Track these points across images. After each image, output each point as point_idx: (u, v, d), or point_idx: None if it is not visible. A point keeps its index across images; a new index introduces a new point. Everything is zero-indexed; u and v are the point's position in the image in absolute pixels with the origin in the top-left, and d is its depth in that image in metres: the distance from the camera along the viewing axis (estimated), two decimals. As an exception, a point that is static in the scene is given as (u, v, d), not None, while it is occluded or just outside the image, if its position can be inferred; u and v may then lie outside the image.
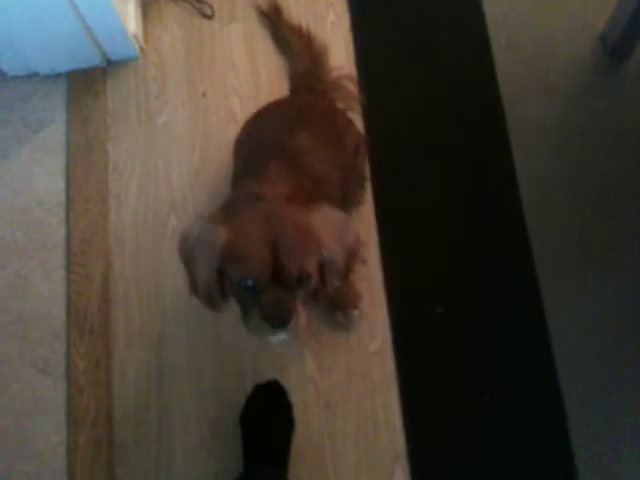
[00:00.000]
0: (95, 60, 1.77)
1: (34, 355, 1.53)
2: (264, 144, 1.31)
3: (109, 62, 1.80)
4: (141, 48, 1.81)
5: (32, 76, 1.78)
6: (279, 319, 1.02)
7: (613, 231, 1.60)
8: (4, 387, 1.51)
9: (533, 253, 1.57)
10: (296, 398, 1.46)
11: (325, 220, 1.06)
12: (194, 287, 1.11)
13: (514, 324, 1.53)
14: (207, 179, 1.67)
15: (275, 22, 1.78)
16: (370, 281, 1.54)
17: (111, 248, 1.62)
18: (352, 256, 1.13)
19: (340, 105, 1.56)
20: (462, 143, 1.69)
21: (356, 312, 1.50)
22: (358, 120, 1.64)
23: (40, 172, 1.70)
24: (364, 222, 1.58)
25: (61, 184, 1.67)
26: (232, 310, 1.45)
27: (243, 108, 1.71)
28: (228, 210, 1.14)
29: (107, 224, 1.64)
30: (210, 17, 1.84)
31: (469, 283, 1.57)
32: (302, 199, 1.12)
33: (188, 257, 1.08)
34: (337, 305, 1.48)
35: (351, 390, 1.48)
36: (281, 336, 1.07)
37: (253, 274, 1.00)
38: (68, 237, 1.63)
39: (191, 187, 1.67)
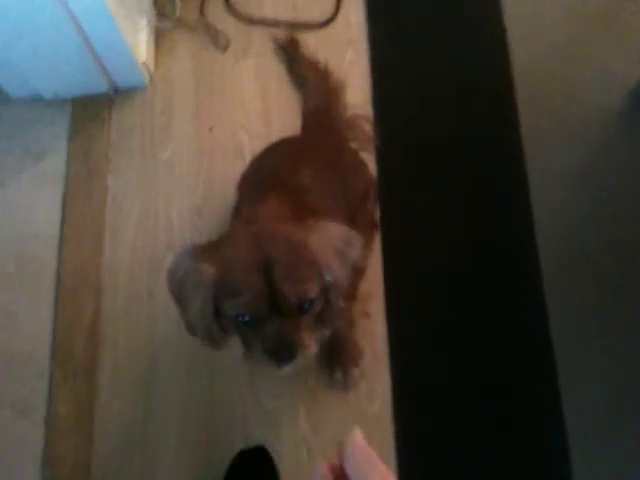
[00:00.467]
0: (102, 87, 1.71)
1: (15, 395, 1.45)
2: (266, 179, 1.25)
3: (116, 90, 1.74)
4: (150, 78, 1.75)
5: (36, 100, 1.72)
6: (284, 353, 0.94)
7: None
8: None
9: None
10: (287, 460, 1.36)
11: (325, 237, 0.97)
12: (190, 327, 1.03)
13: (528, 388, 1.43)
14: (209, 218, 1.58)
15: (292, 55, 1.72)
16: (372, 336, 1.44)
17: (103, 287, 1.54)
18: (358, 273, 1.04)
19: (353, 145, 1.50)
20: (482, 192, 1.60)
21: (356, 370, 1.40)
22: (371, 163, 1.55)
23: (38, 203, 1.63)
24: (370, 272, 1.48)
25: (58, 216, 1.61)
26: (225, 357, 1.39)
27: (252, 145, 1.64)
28: (217, 241, 1.05)
29: (101, 261, 1.56)
30: (224, 49, 1.78)
31: (483, 343, 1.46)
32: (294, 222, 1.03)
33: (179, 297, 1.00)
34: (336, 361, 1.39)
35: (347, 454, 1.37)
36: (287, 369, 0.97)
37: (248, 308, 0.92)
38: (59, 272, 1.55)
39: (192, 226, 1.59)
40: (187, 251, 1.00)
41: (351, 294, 1.06)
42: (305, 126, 1.55)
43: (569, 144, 1.64)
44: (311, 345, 0.96)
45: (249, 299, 0.91)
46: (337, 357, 1.38)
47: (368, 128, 1.58)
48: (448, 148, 1.65)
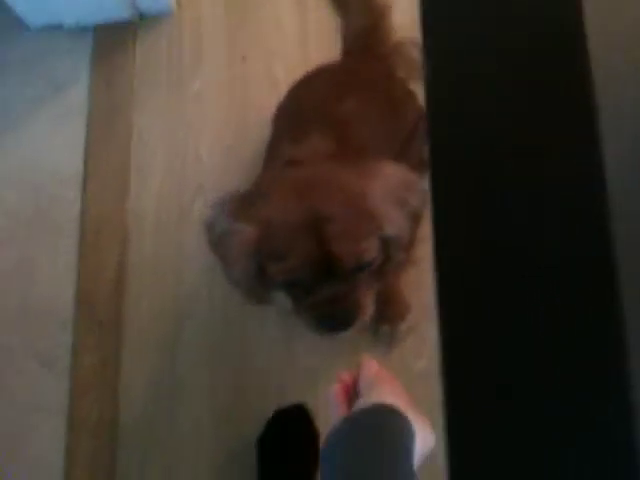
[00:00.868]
0: (126, 13, 1.58)
1: (37, 347, 1.38)
2: (306, 110, 1.12)
3: (141, 16, 1.61)
4: (178, 2, 1.61)
5: (56, 29, 1.60)
6: (339, 321, 0.84)
7: None
8: (2, 380, 1.37)
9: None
10: (325, 421, 1.26)
11: (385, 185, 0.85)
12: (232, 282, 0.94)
13: (587, 349, 1.29)
14: (242, 157, 1.45)
15: (332, -28, 1.56)
16: (420, 289, 1.31)
17: (129, 231, 1.44)
18: (417, 220, 0.93)
19: (400, 73, 1.34)
20: (543, 142, 1.41)
21: (403, 324, 1.29)
22: (419, 93, 1.39)
23: (58, 139, 1.53)
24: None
25: (79, 154, 1.50)
26: (259, 311, 1.29)
27: (287, 74, 1.48)
28: (257, 191, 0.94)
29: (126, 204, 1.46)
30: (258, -31, 1.62)
31: (537, 299, 1.31)
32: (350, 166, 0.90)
33: (219, 253, 0.91)
34: (381, 315, 1.26)
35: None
36: (344, 335, 0.87)
37: (296, 273, 0.81)
38: (82, 215, 1.46)
39: (223, 165, 1.46)
40: (224, 205, 0.89)
41: (410, 243, 0.94)
42: (346, 52, 1.40)
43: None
44: (368, 307, 0.86)
45: (297, 263, 0.80)
46: (383, 311, 1.25)
47: (416, 54, 1.42)
48: (506, 79, 1.47)
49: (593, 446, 1.24)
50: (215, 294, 1.37)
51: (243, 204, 0.89)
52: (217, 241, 0.89)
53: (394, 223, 0.84)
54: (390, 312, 1.27)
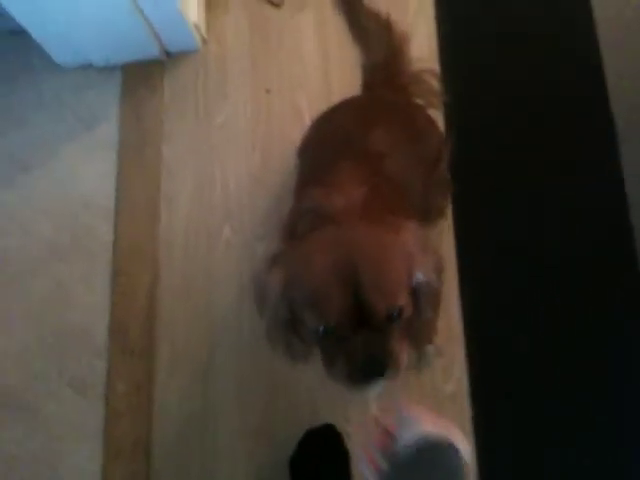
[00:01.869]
0: (153, 52, 1.63)
1: (72, 373, 1.41)
2: (333, 145, 1.14)
3: (168, 54, 1.66)
4: (203, 39, 1.66)
5: (86, 68, 1.66)
6: (374, 370, 0.84)
7: None
8: (38, 406, 1.40)
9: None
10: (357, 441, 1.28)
11: (417, 238, 0.87)
12: (270, 337, 0.94)
13: (610, 367, 1.31)
14: (267, 185, 1.50)
15: (352, 7, 1.59)
16: (446, 312, 1.33)
17: (159, 258, 1.48)
18: (440, 286, 0.93)
19: (420, 102, 1.38)
20: (560, 157, 1.46)
21: (431, 348, 1.30)
22: (439, 120, 1.44)
23: (90, 172, 1.58)
24: (443, 242, 1.38)
25: (111, 186, 1.55)
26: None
27: (311, 106, 1.54)
28: (296, 243, 0.96)
29: (157, 232, 1.50)
30: (278, 6, 1.67)
31: (558, 319, 1.34)
32: (380, 210, 0.94)
33: (258, 305, 0.92)
34: (410, 339, 1.28)
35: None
36: (377, 387, 0.88)
37: (330, 321, 0.81)
38: (115, 244, 1.50)
39: (249, 194, 1.51)
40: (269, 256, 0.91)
41: (437, 303, 0.95)
42: (367, 83, 1.43)
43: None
44: (402, 355, 0.86)
45: (331, 311, 0.81)
46: (411, 334, 1.28)
47: (435, 83, 1.46)
48: (522, 103, 1.53)
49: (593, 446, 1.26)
50: (244, 319, 1.40)
51: (284, 253, 0.91)
52: (259, 291, 0.90)
53: (423, 268, 0.86)
54: (418, 336, 1.28)
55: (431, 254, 0.89)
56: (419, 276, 0.86)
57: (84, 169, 1.58)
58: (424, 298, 0.89)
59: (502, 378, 1.32)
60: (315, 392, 1.33)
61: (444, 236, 1.39)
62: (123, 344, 1.41)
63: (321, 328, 0.83)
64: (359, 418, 1.29)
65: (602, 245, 1.39)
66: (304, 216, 1.00)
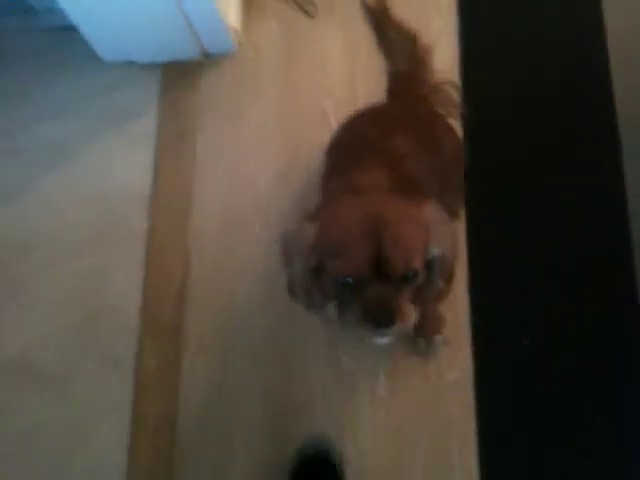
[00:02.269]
0: (193, 53, 1.74)
1: (104, 349, 1.50)
2: (360, 144, 1.24)
3: (207, 56, 1.76)
4: (240, 43, 1.77)
5: (129, 65, 1.76)
6: (383, 318, 0.93)
7: None
8: (71, 379, 1.50)
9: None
10: (365, 422, 1.38)
11: (435, 215, 0.97)
12: (291, 288, 1.05)
13: (610, 363, 1.40)
14: (294, 184, 1.60)
15: (380, 19, 1.68)
16: (455, 305, 1.43)
17: (190, 248, 1.58)
18: (454, 261, 1.03)
19: (440, 110, 1.47)
20: (568, 164, 1.56)
21: (439, 337, 1.40)
22: (457, 129, 1.52)
23: (128, 163, 1.68)
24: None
25: (148, 177, 1.65)
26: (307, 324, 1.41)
27: (337, 111, 1.63)
28: (324, 205, 1.09)
29: (189, 223, 1.60)
30: (312, 16, 1.78)
31: (561, 316, 1.43)
32: (403, 191, 1.03)
33: (285, 257, 1.02)
34: (419, 328, 1.37)
35: (426, 420, 1.38)
36: (384, 339, 0.99)
37: (352, 270, 0.92)
38: (149, 231, 1.60)
39: (277, 190, 1.61)
40: (300, 214, 1.02)
41: (449, 276, 1.04)
42: (391, 90, 1.52)
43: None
44: (410, 315, 0.95)
45: (354, 261, 0.91)
46: (421, 324, 1.37)
47: (455, 94, 1.55)
48: (537, 117, 1.62)
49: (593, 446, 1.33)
50: (267, 306, 1.50)
51: (314, 211, 1.03)
52: (287, 243, 1.01)
53: (439, 242, 0.96)
54: (427, 326, 1.38)
55: (447, 232, 0.99)
56: (434, 250, 0.96)
57: (122, 160, 1.68)
58: (437, 270, 0.98)
59: (503, 374, 1.40)
60: (326, 373, 1.43)
61: (457, 236, 1.49)
62: (154, 325, 1.51)
63: (343, 277, 0.92)
64: (366, 399, 1.39)
65: (602, 246, 1.48)
66: (335, 193, 1.12)
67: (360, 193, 1.05)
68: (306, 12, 1.79)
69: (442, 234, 0.97)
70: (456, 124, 1.51)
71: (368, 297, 0.93)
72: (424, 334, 1.40)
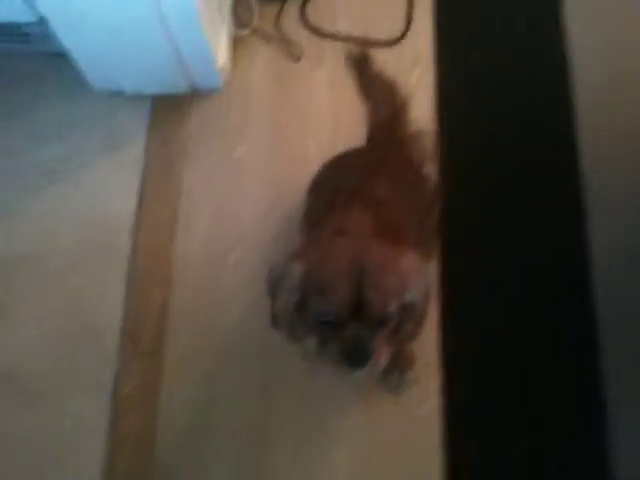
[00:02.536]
0: (182, 87, 1.80)
1: (84, 370, 1.53)
2: (344, 188, 1.31)
3: (195, 91, 1.83)
4: (227, 82, 1.83)
5: (118, 94, 1.81)
6: (359, 358, 1.00)
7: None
8: (49, 399, 1.51)
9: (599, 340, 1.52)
10: (339, 452, 1.44)
11: (413, 265, 1.05)
12: (275, 320, 1.11)
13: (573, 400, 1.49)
14: (276, 218, 1.67)
15: (362, 69, 1.77)
16: (425, 344, 1.50)
17: (173, 275, 1.62)
18: (426, 306, 1.11)
19: (417, 158, 1.55)
20: (538, 215, 1.67)
21: (410, 375, 1.47)
22: (433, 177, 1.61)
23: (114, 189, 1.72)
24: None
25: (133, 203, 1.69)
26: (285, 355, 1.46)
27: (319, 153, 1.69)
28: (312, 244, 1.16)
29: (173, 249, 1.65)
30: (297, 60, 1.87)
31: (524, 357, 1.52)
32: (385, 238, 1.12)
33: (272, 290, 1.09)
34: (391, 365, 1.44)
35: (395, 453, 1.44)
36: (357, 374, 1.05)
37: (333, 308, 0.99)
38: (132, 256, 1.64)
39: (260, 225, 1.67)
40: (286, 253, 1.09)
41: (420, 320, 1.13)
42: (370, 138, 1.59)
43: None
44: (384, 356, 1.04)
45: (335, 300, 0.98)
46: (393, 362, 1.44)
47: (430, 144, 1.64)
48: (509, 171, 1.72)
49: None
50: (247, 331, 1.56)
51: (301, 250, 1.10)
52: (275, 279, 1.07)
53: (414, 291, 1.04)
54: (399, 363, 1.45)
55: (422, 281, 1.07)
56: (409, 296, 1.03)
57: (110, 185, 1.72)
58: (409, 315, 1.06)
59: (470, 412, 1.48)
60: (302, 402, 1.49)
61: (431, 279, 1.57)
62: (134, 348, 1.54)
63: (324, 314, 1.00)
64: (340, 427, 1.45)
65: (562, 291, 1.58)
66: (322, 235, 1.19)
67: (345, 235, 1.13)
68: (291, 55, 1.87)
69: (418, 283, 1.05)
70: (432, 172, 1.59)
71: (346, 337, 1.00)
72: (396, 371, 1.46)
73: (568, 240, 1.63)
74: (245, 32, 1.90)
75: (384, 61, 1.75)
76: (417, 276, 1.05)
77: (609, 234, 1.62)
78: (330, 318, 1.00)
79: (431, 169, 1.61)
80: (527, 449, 1.45)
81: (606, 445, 1.43)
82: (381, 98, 1.66)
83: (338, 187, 1.33)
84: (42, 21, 1.56)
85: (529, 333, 1.54)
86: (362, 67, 1.76)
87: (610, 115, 1.75)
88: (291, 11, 1.93)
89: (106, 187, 1.72)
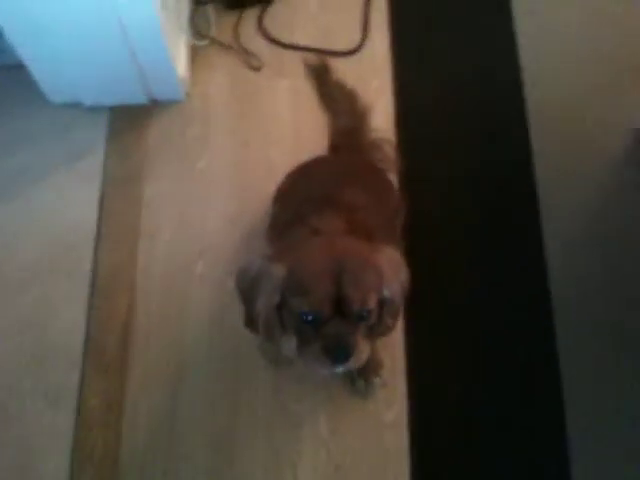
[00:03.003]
0: (141, 98, 1.79)
1: (47, 385, 1.50)
2: (314, 196, 1.32)
3: (155, 102, 1.82)
4: (187, 92, 1.83)
5: (76, 106, 1.80)
6: (341, 353, 1.02)
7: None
8: (11, 412, 1.48)
9: (557, 347, 1.56)
10: (307, 459, 1.43)
11: (389, 259, 1.07)
12: (249, 320, 1.13)
13: (534, 406, 1.52)
14: (240, 227, 1.66)
15: (322, 78, 1.79)
16: (392, 349, 1.52)
17: (137, 286, 1.61)
18: (404, 299, 1.14)
19: (380, 165, 1.58)
20: (496, 224, 1.71)
21: (377, 380, 1.48)
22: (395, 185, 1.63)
23: (74, 201, 1.70)
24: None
25: (94, 215, 1.67)
26: (252, 362, 1.46)
27: (283, 161, 1.70)
28: (287, 247, 1.16)
29: (135, 261, 1.63)
30: (257, 70, 1.87)
31: (493, 364, 1.55)
32: (361, 236, 1.14)
33: (246, 291, 1.10)
34: (359, 370, 1.46)
35: (364, 458, 1.44)
36: (338, 369, 1.06)
37: (315, 307, 1.00)
38: (95, 269, 1.62)
39: (223, 233, 1.66)
40: (260, 256, 1.10)
41: (397, 314, 1.15)
42: (333, 146, 1.61)
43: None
44: (364, 350, 1.05)
45: (317, 299, 1.00)
46: (362, 366, 1.45)
47: (391, 151, 1.66)
48: (465, 178, 1.76)
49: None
50: (213, 344, 1.55)
51: (276, 255, 1.10)
52: (250, 280, 1.08)
53: (392, 287, 1.07)
54: (367, 368, 1.46)
55: (399, 278, 1.10)
56: (386, 292, 1.06)
57: (70, 197, 1.70)
58: (387, 309, 1.09)
59: (437, 416, 1.49)
60: (272, 412, 1.48)
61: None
62: (97, 361, 1.52)
63: (305, 313, 1.01)
64: (309, 437, 1.45)
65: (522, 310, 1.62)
66: (298, 237, 1.20)
67: (321, 235, 1.15)
68: (251, 65, 1.88)
69: (394, 277, 1.08)
70: (394, 179, 1.62)
71: (327, 334, 1.01)
72: (364, 376, 1.47)
73: (528, 265, 1.66)
74: (204, 42, 1.90)
75: (343, 70, 1.78)
76: (393, 270, 1.08)
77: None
78: (312, 317, 1.01)
79: (394, 175, 1.63)
80: (495, 450, 1.47)
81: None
82: (342, 107, 1.68)
83: (306, 196, 1.34)
84: (-1, 33, 1.54)
85: (495, 336, 1.57)
86: (322, 76, 1.79)
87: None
88: (249, 21, 1.94)
89: (66, 199, 1.70)
